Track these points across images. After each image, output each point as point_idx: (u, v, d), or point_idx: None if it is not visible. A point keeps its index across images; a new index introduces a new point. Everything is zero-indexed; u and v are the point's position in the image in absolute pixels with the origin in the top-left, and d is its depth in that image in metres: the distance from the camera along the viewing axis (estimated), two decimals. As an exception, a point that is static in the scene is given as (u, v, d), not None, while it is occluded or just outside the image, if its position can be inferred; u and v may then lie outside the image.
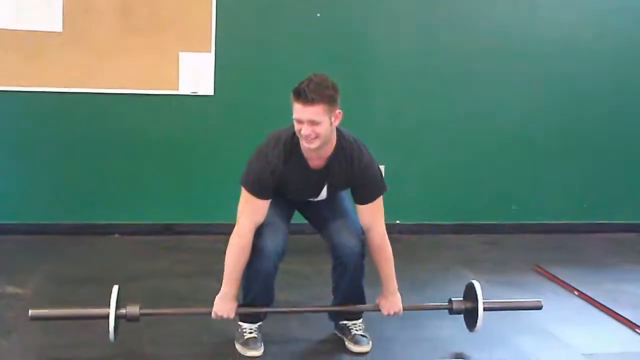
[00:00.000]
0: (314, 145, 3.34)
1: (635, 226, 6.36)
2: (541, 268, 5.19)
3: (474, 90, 6.00)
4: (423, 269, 5.17)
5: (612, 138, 6.28)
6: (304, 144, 3.38)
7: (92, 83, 5.46)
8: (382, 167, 5.64)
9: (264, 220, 3.55)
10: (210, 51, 5.56)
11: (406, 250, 5.45)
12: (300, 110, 3.28)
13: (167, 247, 5.46)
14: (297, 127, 3.33)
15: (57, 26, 5.35)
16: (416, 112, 5.95)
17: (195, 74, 5.57)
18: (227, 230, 5.41)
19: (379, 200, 3.60)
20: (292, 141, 3.47)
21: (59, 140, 5.54)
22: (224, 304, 3.56)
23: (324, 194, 3.66)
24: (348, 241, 3.61)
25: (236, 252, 3.51)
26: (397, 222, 5.84)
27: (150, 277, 4.76)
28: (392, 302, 3.68)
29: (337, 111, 3.36)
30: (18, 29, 5.32)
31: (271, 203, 3.56)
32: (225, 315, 3.56)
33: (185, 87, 5.59)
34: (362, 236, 3.65)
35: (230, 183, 5.46)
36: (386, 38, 5.85)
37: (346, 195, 3.82)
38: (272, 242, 3.53)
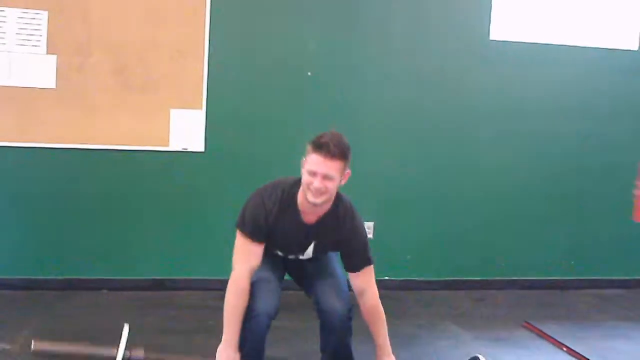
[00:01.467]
0: (320, 200, 3.36)
1: (621, 282, 6.40)
2: (530, 324, 5.20)
3: (462, 147, 6.08)
4: (412, 324, 5.17)
5: (599, 195, 6.34)
6: (309, 197, 3.37)
7: (84, 139, 5.50)
8: (371, 224, 5.76)
9: (258, 280, 3.54)
10: (201, 108, 5.63)
11: (395, 306, 5.45)
12: (318, 163, 3.29)
13: (157, 303, 5.44)
14: (307, 179, 3.33)
15: (50, 83, 5.41)
16: (405, 168, 6.01)
17: (186, 131, 5.62)
18: (218, 285, 5.40)
19: (370, 269, 3.60)
20: (291, 191, 3.49)
21: (50, 195, 5.55)
22: (227, 354, 3.45)
23: (309, 252, 3.65)
24: (334, 305, 3.59)
25: (234, 298, 3.46)
26: (386, 277, 5.85)
27: (141, 334, 4.70)
28: None
29: (347, 171, 3.41)
30: (11, 85, 5.37)
31: (264, 260, 3.57)
32: None
33: (176, 144, 5.64)
34: (350, 300, 3.63)
35: (221, 238, 5.50)
36: (375, 97, 5.93)
37: (335, 257, 3.83)
38: (265, 304, 3.51)
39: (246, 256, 3.50)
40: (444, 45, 6.00)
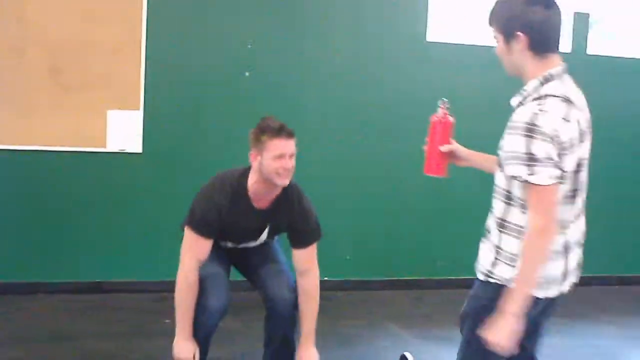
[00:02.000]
0: (288, 180, 3.51)
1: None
2: (467, 322, 5.25)
3: (401, 147, 6.11)
4: (351, 325, 5.19)
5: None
6: (278, 182, 3.48)
7: (19, 140, 5.40)
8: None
9: (207, 276, 3.60)
10: (139, 109, 5.57)
11: (334, 306, 5.49)
12: (284, 145, 3.46)
13: (95, 306, 5.36)
14: (277, 164, 3.44)
15: (-17, 83, 5.33)
16: (344, 169, 6.02)
17: (124, 132, 5.57)
18: (157, 288, 5.41)
19: (315, 246, 3.72)
20: (239, 183, 3.57)
21: (-18, 198, 5.46)
22: (183, 346, 3.56)
23: (264, 236, 3.73)
24: (282, 292, 3.68)
25: (185, 290, 3.55)
26: (325, 278, 5.85)
27: (78, 337, 4.68)
28: (312, 355, 3.71)
29: None
30: (-55, 85, 5.28)
31: (211, 254, 3.61)
32: (189, 357, 3.54)
33: (114, 145, 5.57)
34: (295, 287, 3.70)
35: (159, 240, 5.50)
36: (315, 97, 5.94)
37: (280, 248, 3.91)
38: (217, 300, 3.59)
39: (195, 251, 3.57)
40: (383, 46, 6.04)
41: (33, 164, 5.47)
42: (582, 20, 6.49)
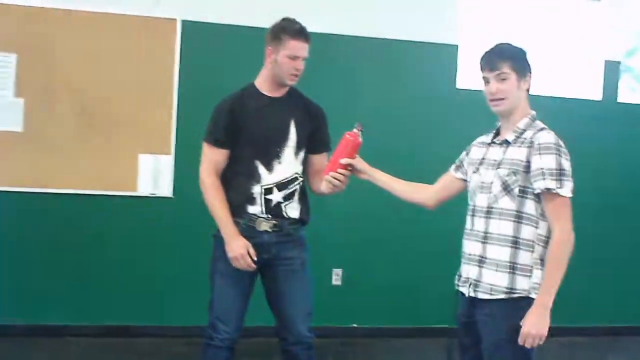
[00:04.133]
0: (296, 81, 3.65)
1: (585, 330, 6.42)
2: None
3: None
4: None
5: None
6: (288, 82, 3.62)
7: (51, 183, 5.45)
8: (339, 271, 5.76)
9: (221, 303, 3.61)
10: (170, 153, 5.61)
11: (363, 354, 5.44)
12: (301, 47, 3.57)
13: (123, 350, 5.36)
14: (291, 64, 3.56)
15: (17, 126, 5.37)
16: (374, 214, 5.99)
17: (155, 176, 5.60)
18: (183, 333, 5.39)
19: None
20: (248, 85, 3.73)
21: (13, 239, 5.48)
22: (236, 244, 3.56)
23: (292, 135, 3.69)
24: (302, 330, 3.61)
25: (211, 191, 3.69)
26: (354, 325, 5.83)
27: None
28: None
29: None
30: (-22, 129, 5.34)
31: (231, 282, 3.60)
32: (243, 252, 3.53)
33: (144, 189, 5.61)
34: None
35: (187, 285, 5.48)
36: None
37: (311, 280, 3.78)
38: (225, 328, 3.56)
39: (209, 158, 3.72)
40: (412, 92, 6.06)
41: (63, 207, 5.51)
42: (612, 69, 6.48)
